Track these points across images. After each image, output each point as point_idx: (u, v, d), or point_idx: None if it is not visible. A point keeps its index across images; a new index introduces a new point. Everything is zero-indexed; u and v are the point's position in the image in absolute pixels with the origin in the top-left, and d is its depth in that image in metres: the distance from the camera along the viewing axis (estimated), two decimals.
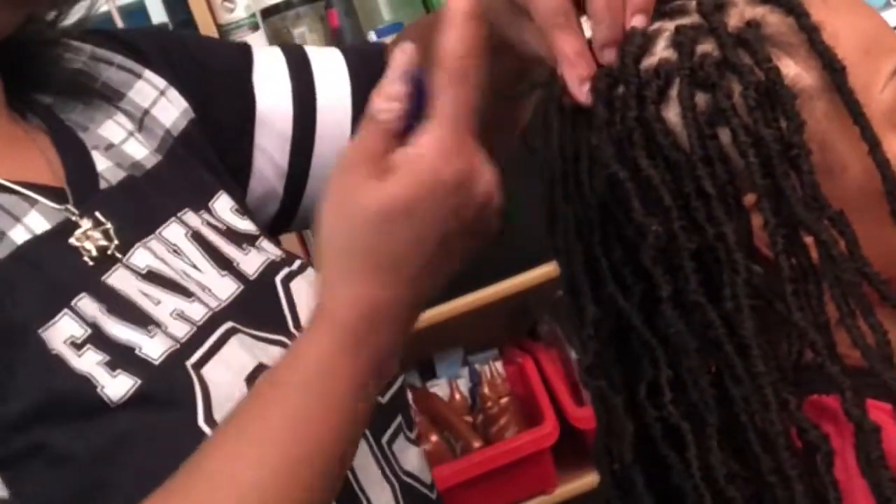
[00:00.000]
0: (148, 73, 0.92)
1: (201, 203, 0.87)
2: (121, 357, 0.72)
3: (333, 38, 2.11)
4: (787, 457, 0.67)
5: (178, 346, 0.75)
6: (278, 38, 2.07)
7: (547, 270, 1.94)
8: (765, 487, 0.68)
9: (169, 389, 0.72)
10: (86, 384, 0.70)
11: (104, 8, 1.82)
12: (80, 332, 0.73)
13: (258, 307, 0.78)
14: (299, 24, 2.06)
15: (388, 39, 2.03)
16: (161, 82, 0.92)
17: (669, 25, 0.74)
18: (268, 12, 2.07)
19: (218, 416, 0.72)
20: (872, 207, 0.71)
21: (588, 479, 2.05)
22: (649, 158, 0.70)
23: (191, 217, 0.84)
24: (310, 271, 0.86)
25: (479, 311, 2.06)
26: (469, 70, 0.67)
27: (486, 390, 2.14)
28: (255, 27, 2.05)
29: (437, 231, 0.66)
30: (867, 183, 0.71)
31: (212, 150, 0.92)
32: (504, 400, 2.13)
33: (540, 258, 1.92)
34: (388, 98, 0.67)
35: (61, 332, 0.72)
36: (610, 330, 0.75)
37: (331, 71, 0.98)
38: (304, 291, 0.84)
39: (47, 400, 0.69)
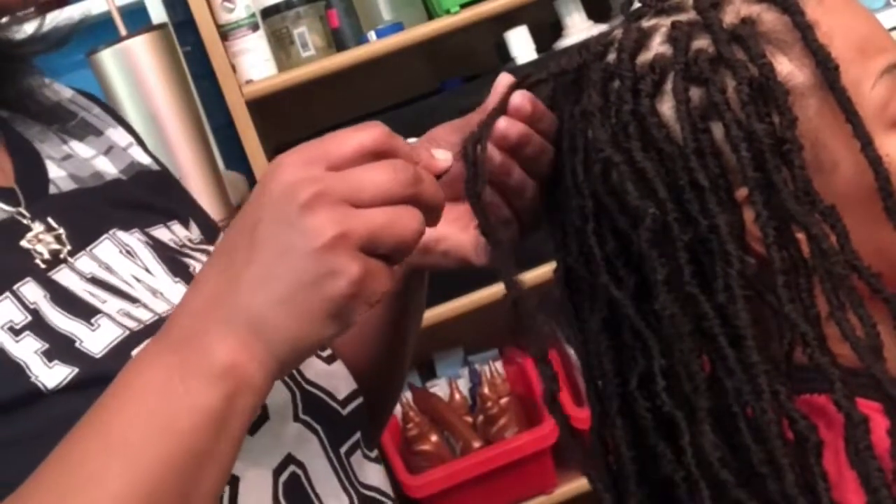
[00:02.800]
0: (123, 130, 0.91)
1: (160, 221, 0.84)
2: (59, 348, 0.69)
3: (333, 38, 2.11)
4: (779, 446, 0.68)
5: (126, 334, 0.72)
6: (278, 38, 2.08)
7: (547, 270, 1.94)
8: (756, 478, 0.68)
9: (111, 373, 0.65)
10: (19, 372, 0.67)
11: (104, 8, 1.82)
12: (19, 317, 0.70)
13: None
14: (299, 24, 2.06)
15: (388, 39, 2.05)
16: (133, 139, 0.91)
17: (666, 22, 0.75)
18: (268, 12, 2.08)
19: None
20: (862, 204, 0.72)
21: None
22: (644, 151, 0.71)
23: (144, 230, 0.82)
24: None
25: (479, 311, 2.07)
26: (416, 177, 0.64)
27: (486, 390, 2.14)
28: (255, 27, 2.06)
29: (254, 217, 0.62)
30: (858, 180, 0.72)
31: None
32: (504, 400, 2.13)
33: (540, 258, 1.92)
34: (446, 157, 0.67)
35: (0, 315, 0.69)
36: (602, 322, 0.76)
37: None
38: None
39: None
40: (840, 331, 0.68)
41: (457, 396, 2.21)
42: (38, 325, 0.70)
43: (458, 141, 0.77)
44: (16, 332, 0.69)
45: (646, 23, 0.76)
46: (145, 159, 0.90)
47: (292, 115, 2.20)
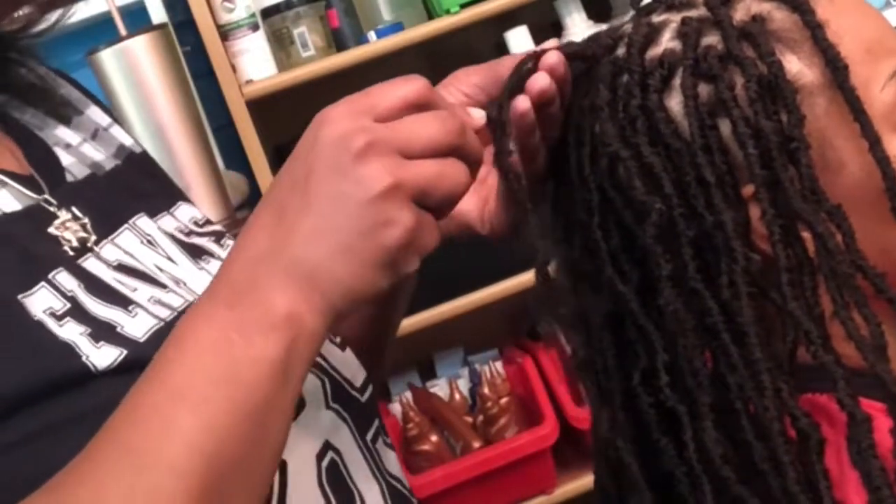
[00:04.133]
0: (98, 109, 0.90)
1: (165, 207, 0.84)
2: (103, 331, 0.69)
3: (333, 38, 2.11)
4: (781, 443, 0.68)
5: (163, 324, 0.72)
6: (278, 38, 2.08)
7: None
8: (757, 475, 0.68)
9: None
10: (69, 352, 0.66)
11: (104, 8, 1.82)
12: (59, 304, 0.69)
13: None
14: (299, 24, 2.06)
15: (388, 39, 2.05)
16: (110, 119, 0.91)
17: (676, 17, 0.75)
18: (268, 12, 2.07)
19: None
20: (869, 204, 0.72)
21: (588, 479, 2.04)
22: (651, 146, 0.71)
23: (158, 217, 0.82)
24: None
25: (479, 311, 2.07)
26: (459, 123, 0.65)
27: (486, 390, 2.14)
28: (255, 27, 2.06)
29: (306, 162, 0.63)
30: (865, 180, 0.72)
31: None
32: (504, 400, 2.13)
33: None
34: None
35: (40, 303, 0.68)
36: (605, 317, 0.76)
37: None
38: None
39: (34, 373, 0.65)
40: (844, 330, 0.68)
41: (457, 396, 2.21)
42: (77, 311, 0.70)
43: (480, 83, 0.77)
44: (58, 317, 0.69)
45: (656, 18, 0.76)
46: (127, 140, 0.89)
47: (292, 115, 2.19)
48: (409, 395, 2.18)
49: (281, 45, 2.08)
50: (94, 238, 0.76)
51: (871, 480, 0.67)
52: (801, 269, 0.70)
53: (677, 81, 0.73)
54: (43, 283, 0.70)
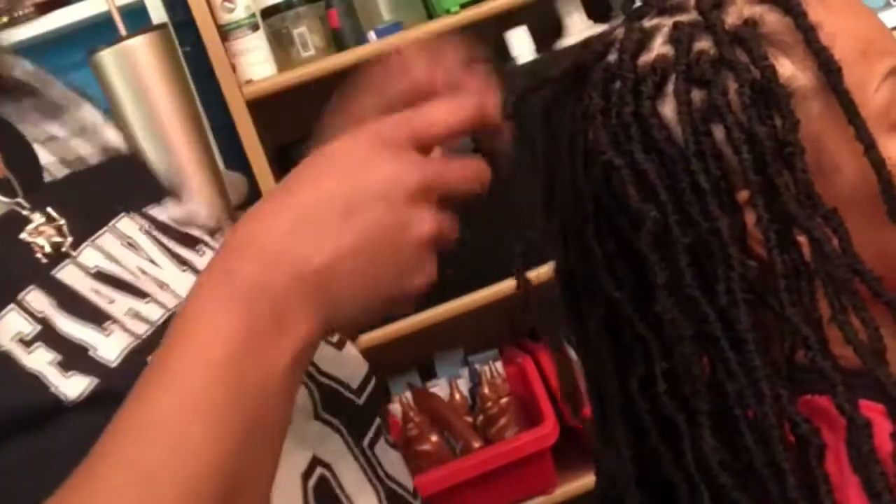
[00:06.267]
0: (90, 107, 0.89)
1: (150, 202, 0.82)
2: (74, 357, 0.67)
3: (333, 38, 2.11)
4: (781, 450, 0.67)
5: (139, 342, 0.70)
6: (278, 38, 2.08)
7: (547, 270, 1.94)
8: (757, 481, 0.68)
9: (129, 387, 0.63)
10: (36, 384, 0.65)
11: (104, 8, 1.82)
12: (28, 328, 0.67)
13: None
14: (299, 24, 2.06)
15: (388, 39, 2.05)
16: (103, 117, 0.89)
17: (668, 22, 0.75)
18: (268, 12, 2.07)
19: None
20: (864, 207, 0.72)
21: (588, 479, 2.05)
22: (645, 153, 0.71)
23: (142, 214, 0.80)
24: None
25: (479, 311, 2.06)
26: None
27: (486, 390, 2.14)
28: (255, 27, 2.05)
29: (348, 181, 0.62)
30: (860, 183, 0.72)
31: None
32: (504, 400, 2.13)
33: (540, 258, 1.92)
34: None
35: (8, 328, 0.67)
36: (602, 323, 0.75)
37: None
38: None
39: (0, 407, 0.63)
40: (843, 334, 0.68)
41: (457, 396, 2.21)
42: (48, 334, 0.68)
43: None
44: (27, 343, 0.67)
45: (647, 23, 0.76)
46: (117, 140, 0.88)
47: (292, 115, 2.19)
48: (409, 395, 2.18)
49: (281, 45, 2.08)
50: (70, 241, 0.74)
51: (871, 486, 0.66)
52: (797, 274, 0.70)
53: (670, 87, 0.72)
54: (13, 305, 0.68)
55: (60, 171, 0.80)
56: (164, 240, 0.79)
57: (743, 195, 0.71)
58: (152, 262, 0.77)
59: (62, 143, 0.83)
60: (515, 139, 0.74)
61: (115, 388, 0.64)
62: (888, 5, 2.10)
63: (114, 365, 0.68)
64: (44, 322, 0.68)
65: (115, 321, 0.71)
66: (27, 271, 0.71)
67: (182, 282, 0.77)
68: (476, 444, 2.08)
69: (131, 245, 0.77)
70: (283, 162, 2.19)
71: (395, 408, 2.15)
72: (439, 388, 2.25)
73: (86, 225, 0.76)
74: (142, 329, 0.71)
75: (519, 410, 2.14)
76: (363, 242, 0.61)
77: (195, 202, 0.88)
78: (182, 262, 0.79)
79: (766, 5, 0.74)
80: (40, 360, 0.66)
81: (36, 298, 0.69)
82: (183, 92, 1.89)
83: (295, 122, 2.20)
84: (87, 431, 0.60)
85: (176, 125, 1.88)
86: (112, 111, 0.96)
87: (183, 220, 0.83)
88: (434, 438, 2.10)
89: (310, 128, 2.39)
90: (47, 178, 0.79)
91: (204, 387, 0.58)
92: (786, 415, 0.68)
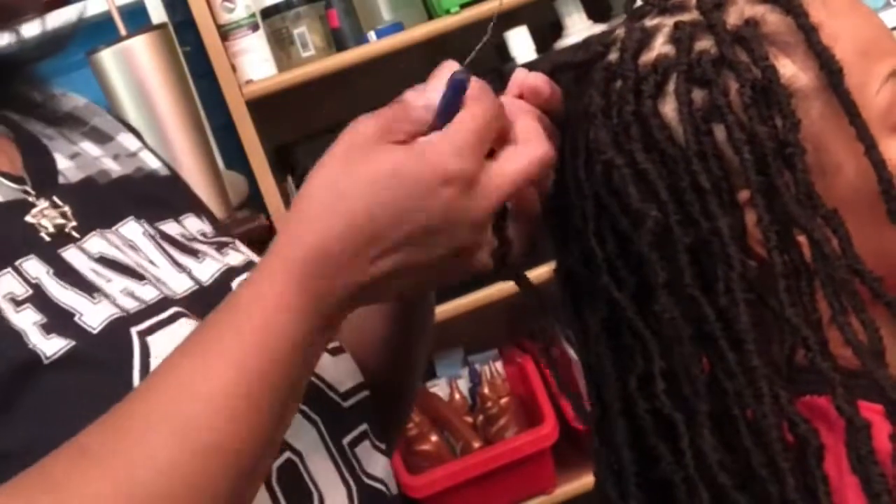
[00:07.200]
0: (133, 137, 0.92)
1: (166, 215, 0.85)
2: (58, 321, 0.70)
3: (333, 38, 2.11)
4: (780, 450, 0.67)
5: (125, 314, 0.72)
6: (278, 38, 2.08)
7: (547, 270, 1.94)
8: (756, 481, 0.68)
9: (107, 350, 0.69)
10: (17, 339, 0.68)
11: (104, 8, 1.82)
12: (20, 290, 0.70)
13: (213, 306, 0.72)
14: (299, 24, 2.06)
15: (388, 39, 2.05)
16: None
17: (669, 21, 0.75)
18: (268, 12, 2.07)
19: None
20: (865, 208, 0.72)
21: (588, 479, 2.04)
22: (645, 153, 0.71)
23: (151, 225, 0.83)
24: None
25: (479, 311, 2.07)
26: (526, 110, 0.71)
27: (486, 390, 2.14)
28: (255, 27, 2.06)
29: (420, 215, 0.65)
30: (860, 184, 0.72)
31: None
32: (504, 400, 2.13)
33: (540, 258, 1.92)
34: (426, 92, 0.68)
35: (1, 287, 0.70)
36: (602, 323, 0.75)
37: None
38: None
39: None
40: (842, 335, 0.68)
41: (457, 396, 2.21)
42: (38, 298, 0.71)
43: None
44: (17, 303, 0.70)
45: (648, 22, 0.76)
46: (155, 163, 0.90)
47: (292, 115, 2.20)
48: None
49: (281, 45, 2.08)
50: (73, 224, 0.77)
51: (870, 487, 0.66)
52: (797, 274, 0.70)
53: (671, 87, 0.72)
54: (9, 269, 0.71)
55: (76, 176, 0.82)
56: (167, 246, 0.81)
57: (743, 195, 0.71)
58: (151, 262, 0.79)
59: (88, 158, 0.85)
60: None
61: (89, 352, 0.68)
62: (888, 5, 2.10)
63: (95, 331, 0.71)
64: (36, 287, 0.71)
65: (106, 295, 0.73)
66: (29, 245, 0.74)
67: (178, 281, 0.79)
68: (476, 444, 2.08)
69: (132, 247, 0.79)
70: (283, 162, 2.19)
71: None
72: (439, 387, 2.26)
73: (91, 217, 0.79)
74: (131, 305, 0.73)
75: (519, 410, 2.14)
76: (424, 265, 0.67)
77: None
78: (180, 266, 0.80)
79: (767, 5, 0.74)
80: (26, 320, 0.69)
81: (33, 266, 0.72)
82: (183, 92, 1.90)
83: (295, 122, 2.21)
84: (54, 390, 0.65)
85: (176, 125, 1.89)
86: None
87: (193, 235, 0.85)
88: (434, 438, 2.10)
89: (310, 128, 2.39)
90: (62, 180, 0.81)
91: (245, 346, 0.64)
92: (785, 415, 0.68)
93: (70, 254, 0.75)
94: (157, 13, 2.24)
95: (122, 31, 1.77)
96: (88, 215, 0.78)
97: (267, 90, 2.03)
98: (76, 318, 0.71)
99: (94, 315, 0.71)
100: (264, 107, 2.10)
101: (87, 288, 0.73)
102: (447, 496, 2.04)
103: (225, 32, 2.04)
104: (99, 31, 1.88)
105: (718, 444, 0.70)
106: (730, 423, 0.70)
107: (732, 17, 0.73)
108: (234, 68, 2.04)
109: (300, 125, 2.18)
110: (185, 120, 1.78)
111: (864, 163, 0.71)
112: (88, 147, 0.86)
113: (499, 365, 2.21)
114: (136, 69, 1.74)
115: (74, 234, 0.77)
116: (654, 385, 0.71)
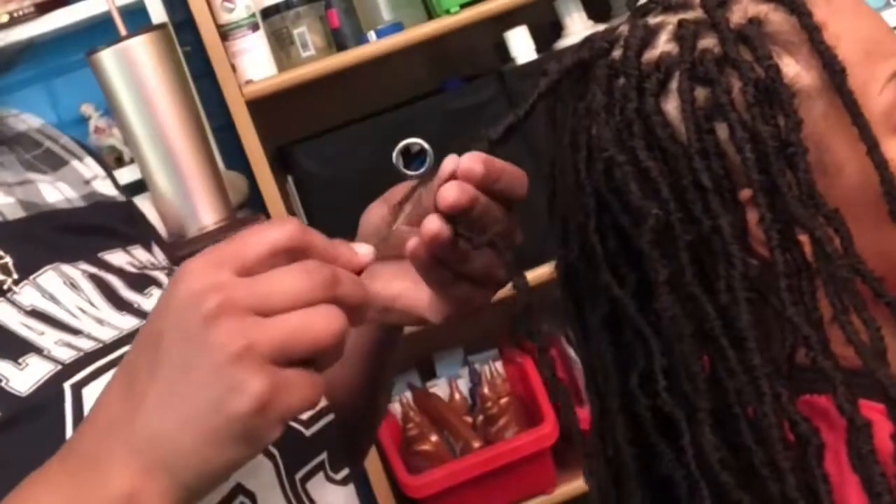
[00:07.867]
0: (92, 161, 0.89)
1: (113, 244, 0.82)
2: None
3: (333, 38, 2.11)
4: (780, 449, 0.67)
5: (60, 367, 0.69)
6: (278, 38, 2.08)
7: (547, 270, 1.94)
8: (756, 480, 0.68)
9: (37, 412, 0.65)
10: None
11: (104, 8, 1.82)
12: None
13: None
14: (299, 24, 2.06)
15: (388, 39, 2.05)
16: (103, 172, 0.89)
17: (672, 19, 0.75)
18: (268, 12, 2.07)
19: None
20: (867, 208, 0.72)
21: None
22: (648, 150, 0.71)
23: (93, 260, 0.80)
24: None
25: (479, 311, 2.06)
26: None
27: (486, 390, 2.14)
28: (255, 27, 2.06)
29: (155, 325, 0.58)
30: (863, 184, 0.72)
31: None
32: (504, 400, 2.13)
33: (540, 258, 1.92)
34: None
35: None
36: (603, 320, 0.76)
37: None
38: None
39: None
40: (844, 334, 0.68)
41: (457, 396, 2.21)
42: None
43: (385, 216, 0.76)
44: None
45: (652, 20, 0.76)
46: (110, 192, 0.87)
47: (292, 115, 2.20)
48: (409, 395, 2.18)
49: (281, 45, 2.08)
50: (13, 278, 0.74)
51: (871, 486, 0.66)
52: (799, 273, 0.70)
53: (674, 85, 0.72)
54: None
55: (15, 213, 0.79)
56: (112, 279, 0.78)
57: (745, 194, 0.71)
58: (91, 303, 0.76)
59: (34, 188, 0.82)
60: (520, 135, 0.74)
61: (20, 414, 0.66)
62: (888, 5, 2.11)
63: (23, 395, 0.68)
64: None
65: (39, 350, 0.70)
66: None
67: (120, 321, 0.75)
68: (476, 444, 2.08)
69: (73, 285, 0.76)
70: (282, 162, 2.19)
71: (395, 408, 2.16)
72: (439, 387, 2.26)
73: (29, 264, 0.75)
74: (67, 356, 0.70)
75: (519, 410, 2.14)
76: (169, 387, 0.57)
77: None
78: (121, 305, 0.77)
79: (771, 4, 0.74)
80: None
81: None
82: (183, 92, 1.90)
83: (295, 122, 2.21)
84: None
85: (176, 125, 1.88)
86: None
87: (143, 264, 0.83)
88: (434, 438, 2.10)
89: (309, 128, 2.40)
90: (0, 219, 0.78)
91: None
92: (785, 414, 0.68)
93: (1, 310, 0.72)
94: (157, 13, 2.24)
95: (122, 31, 1.77)
96: (25, 262, 0.75)
97: (267, 90, 2.03)
98: (2, 384, 0.67)
99: (20, 379, 0.68)
100: (264, 107, 2.10)
101: (15, 350, 0.70)
102: (447, 496, 2.04)
103: (225, 32, 2.04)
104: (99, 31, 1.88)
105: (719, 442, 0.70)
106: (731, 421, 0.70)
107: (736, 16, 0.73)
108: (234, 68, 2.04)
109: (300, 125, 2.18)
110: (185, 120, 1.78)
111: (867, 163, 0.71)
112: (36, 177, 0.83)
113: (499, 365, 2.20)
114: (135, 69, 1.74)
115: (14, 287, 0.73)
116: (654, 382, 0.71)
